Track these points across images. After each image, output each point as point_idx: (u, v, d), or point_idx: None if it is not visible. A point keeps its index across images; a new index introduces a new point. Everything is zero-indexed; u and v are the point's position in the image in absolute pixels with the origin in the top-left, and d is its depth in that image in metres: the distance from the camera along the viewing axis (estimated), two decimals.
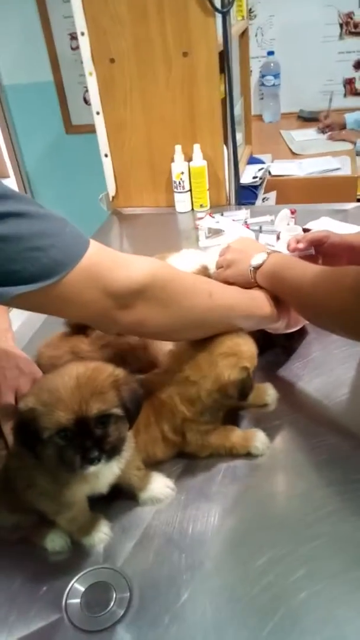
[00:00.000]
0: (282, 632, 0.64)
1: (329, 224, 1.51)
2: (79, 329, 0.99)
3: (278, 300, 0.94)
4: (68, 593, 0.71)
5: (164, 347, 0.94)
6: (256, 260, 0.96)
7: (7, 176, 3.04)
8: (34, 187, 3.27)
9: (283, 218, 1.35)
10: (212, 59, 1.54)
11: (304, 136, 2.69)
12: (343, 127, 2.65)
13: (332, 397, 0.96)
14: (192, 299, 0.82)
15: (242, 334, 0.87)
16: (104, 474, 0.73)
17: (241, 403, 0.92)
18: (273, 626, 0.64)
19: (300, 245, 1.03)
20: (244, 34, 2.02)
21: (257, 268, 0.95)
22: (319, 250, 1.04)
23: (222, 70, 1.57)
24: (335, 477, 0.81)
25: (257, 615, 0.66)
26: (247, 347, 0.85)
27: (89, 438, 0.66)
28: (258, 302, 0.93)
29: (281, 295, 0.93)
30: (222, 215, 1.64)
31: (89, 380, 0.67)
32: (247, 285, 0.97)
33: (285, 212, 1.37)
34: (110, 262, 0.74)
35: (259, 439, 0.87)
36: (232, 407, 0.91)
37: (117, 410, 0.68)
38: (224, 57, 1.56)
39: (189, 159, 1.70)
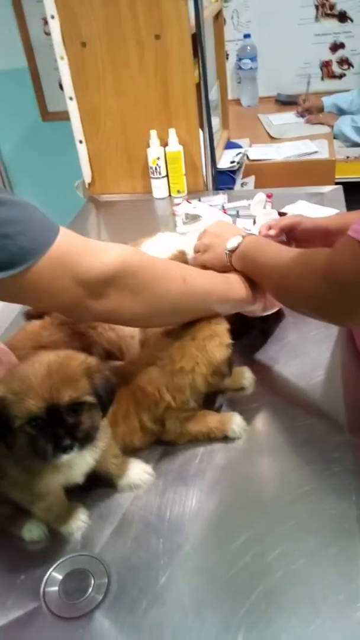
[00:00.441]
0: (258, 610, 0.64)
1: (306, 208, 1.51)
2: (35, 316, 0.98)
3: (254, 283, 0.94)
4: (46, 581, 0.71)
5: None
6: (231, 243, 0.95)
7: None
8: (11, 176, 3.23)
9: (258, 202, 1.34)
10: (184, 41, 1.52)
11: (282, 120, 2.68)
12: (321, 110, 2.65)
13: (308, 379, 0.96)
14: (166, 285, 0.81)
15: (210, 317, 0.88)
16: (78, 464, 0.72)
17: (219, 386, 0.92)
18: (250, 605, 0.65)
19: (272, 232, 1.03)
20: (218, 16, 1.99)
21: (232, 251, 0.95)
22: (292, 235, 1.04)
23: (195, 53, 1.55)
24: (312, 457, 0.82)
25: (234, 595, 0.66)
26: (222, 325, 0.87)
27: (61, 426, 0.65)
28: (234, 285, 0.92)
29: (255, 278, 0.93)
30: (199, 200, 1.63)
31: (60, 367, 0.66)
32: (223, 269, 0.97)
33: (260, 196, 1.37)
34: (80, 250, 0.73)
35: (235, 421, 0.87)
36: (210, 391, 0.91)
37: (90, 398, 0.67)
38: (197, 40, 1.53)
39: (164, 144, 1.69)
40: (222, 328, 0.87)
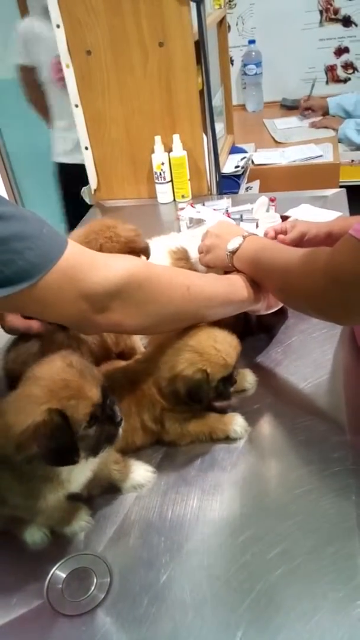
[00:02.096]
0: (258, 608, 0.65)
1: (309, 211, 1.51)
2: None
3: (256, 282, 0.95)
4: (49, 580, 0.72)
5: None
6: (232, 244, 0.96)
7: None
8: (19, 183, 3.26)
9: (261, 205, 1.35)
10: (187, 48, 1.54)
11: (287, 124, 2.69)
12: (325, 110, 2.66)
13: (310, 380, 0.97)
14: (170, 295, 0.81)
15: (227, 338, 0.85)
16: (77, 477, 0.73)
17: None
18: (250, 603, 0.66)
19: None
20: (222, 23, 2.01)
21: (233, 252, 0.96)
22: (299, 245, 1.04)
23: (198, 59, 1.57)
24: (312, 458, 0.83)
25: (234, 593, 0.67)
26: (220, 355, 0.82)
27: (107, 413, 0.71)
28: (236, 287, 0.93)
29: (257, 278, 0.94)
30: (203, 205, 1.64)
31: (85, 368, 0.70)
32: (226, 269, 0.98)
33: (263, 199, 1.38)
34: (87, 264, 0.73)
35: (237, 422, 0.88)
36: None
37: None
38: (200, 47, 1.55)
39: (169, 149, 1.70)
40: (216, 355, 0.82)
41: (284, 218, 1.35)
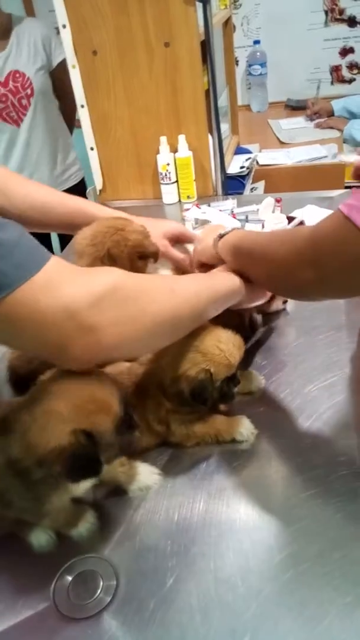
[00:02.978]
0: (265, 612, 0.65)
1: (315, 212, 1.51)
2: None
3: (237, 273, 0.92)
4: (55, 582, 0.72)
5: None
6: (223, 230, 0.96)
7: None
8: None
9: (267, 206, 1.35)
10: (193, 48, 1.54)
11: (292, 125, 2.69)
12: (331, 114, 2.65)
13: (317, 382, 0.97)
14: (160, 301, 0.74)
15: (231, 338, 0.84)
16: (83, 482, 0.72)
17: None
18: (256, 607, 0.65)
19: None
20: (227, 23, 2.01)
21: (221, 237, 0.95)
22: None
23: (204, 60, 1.57)
24: (318, 461, 0.82)
25: (241, 597, 0.67)
26: (223, 355, 0.82)
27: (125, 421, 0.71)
28: (218, 278, 0.90)
29: (244, 268, 0.91)
30: (208, 205, 1.64)
31: (104, 376, 0.71)
32: (212, 259, 0.98)
33: (269, 200, 1.37)
34: (69, 277, 0.66)
35: (243, 425, 0.88)
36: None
37: None
38: (206, 47, 1.55)
39: (174, 150, 1.70)
40: (219, 356, 0.81)
41: (290, 219, 1.35)
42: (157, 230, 1.15)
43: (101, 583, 0.71)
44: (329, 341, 1.06)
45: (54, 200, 1.11)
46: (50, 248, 1.89)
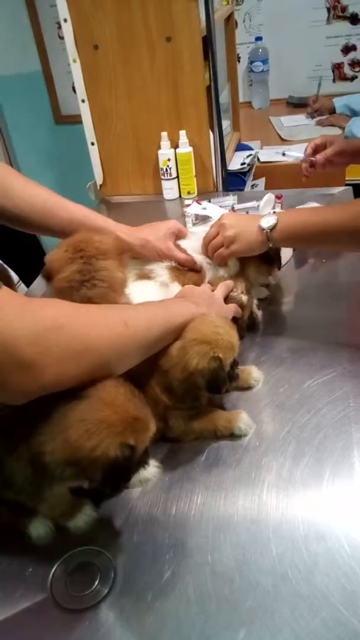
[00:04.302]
0: (262, 605, 0.65)
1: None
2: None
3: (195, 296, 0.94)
4: (53, 574, 0.72)
5: None
6: (267, 222, 1.00)
7: None
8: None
9: (267, 203, 1.34)
10: (195, 44, 1.53)
11: (293, 122, 2.68)
12: (332, 111, 2.65)
13: (316, 378, 0.97)
14: (106, 338, 0.71)
15: (224, 321, 0.86)
16: None
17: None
18: (253, 599, 0.66)
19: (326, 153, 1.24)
20: (229, 19, 2.00)
21: (271, 229, 0.99)
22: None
23: (206, 56, 1.56)
24: (317, 455, 0.82)
25: (238, 589, 0.67)
26: (225, 337, 0.83)
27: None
28: (175, 308, 0.87)
29: (307, 245, 1.06)
30: (209, 201, 1.63)
31: (140, 395, 0.73)
32: (259, 250, 1.04)
33: (269, 196, 1.37)
34: (13, 311, 0.62)
35: (242, 420, 0.88)
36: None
37: None
38: (207, 43, 1.54)
39: (175, 145, 1.70)
40: (223, 339, 0.82)
41: None
42: (159, 233, 1.16)
43: (99, 575, 0.72)
44: (327, 338, 1.06)
45: (56, 203, 1.10)
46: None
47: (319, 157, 1.32)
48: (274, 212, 1.02)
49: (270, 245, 1.02)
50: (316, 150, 1.36)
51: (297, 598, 0.65)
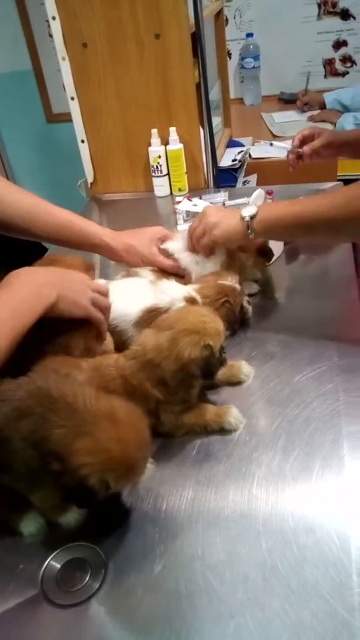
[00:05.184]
0: (252, 598, 0.65)
1: None
2: None
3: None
4: (44, 570, 0.73)
5: None
6: (247, 211, 1.02)
7: None
8: (17, 177, 3.25)
9: (257, 198, 1.34)
10: (184, 40, 1.53)
11: (285, 118, 2.68)
12: (322, 106, 2.65)
13: (305, 372, 0.97)
14: None
15: (206, 309, 0.88)
16: None
17: (215, 381, 0.93)
18: (243, 592, 0.66)
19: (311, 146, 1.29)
20: (219, 16, 2.00)
21: (252, 217, 1.01)
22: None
23: (195, 52, 1.56)
24: (306, 450, 0.83)
25: (227, 582, 0.67)
26: (212, 324, 0.85)
27: None
28: (23, 307, 0.80)
29: (286, 235, 1.07)
30: (200, 198, 1.64)
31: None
32: (240, 239, 1.05)
33: (259, 192, 1.37)
34: None
35: (232, 414, 0.88)
36: (207, 385, 0.92)
37: None
38: (196, 39, 1.54)
39: (165, 142, 1.70)
40: (210, 327, 0.84)
41: None
42: (144, 239, 1.16)
43: (89, 570, 0.72)
44: (318, 332, 1.06)
45: (41, 209, 1.10)
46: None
47: (306, 148, 1.33)
48: (257, 205, 1.04)
49: (251, 235, 1.03)
50: (304, 141, 1.37)
51: (286, 590, 0.66)
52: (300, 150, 1.38)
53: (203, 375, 0.83)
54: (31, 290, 0.82)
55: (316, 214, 0.95)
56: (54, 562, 0.73)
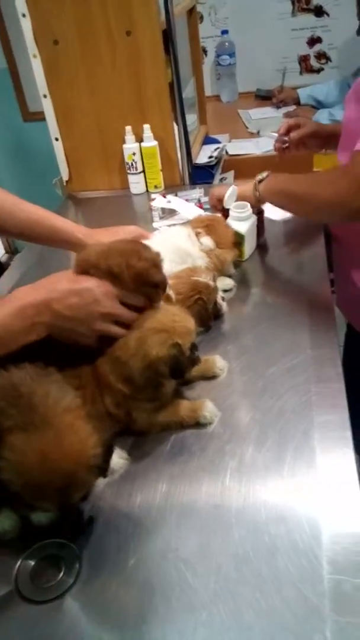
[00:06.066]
0: (224, 588, 0.66)
1: None
2: None
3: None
4: (18, 566, 0.73)
5: None
6: (261, 175, 1.23)
7: None
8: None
9: (231, 195, 1.35)
10: (155, 37, 1.53)
11: (261, 114, 2.69)
12: (296, 102, 2.67)
13: (279, 364, 0.98)
14: None
15: (178, 309, 0.88)
16: None
17: (189, 377, 0.93)
18: (215, 583, 0.67)
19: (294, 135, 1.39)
20: (192, 12, 2.00)
21: (260, 181, 1.21)
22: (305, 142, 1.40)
23: (167, 49, 1.56)
24: (280, 440, 0.84)
25: (200, 574, 0.68)
26: (181, 323, 0.84)
27: None
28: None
29: (280, 201, 1.20)
30: (175, 195, 1.64)
31: None
32: (250, 196, 1.26)
33: (233, 189, 1.38)
34: None
35: (206, 408, 0.89)
36: (181, 381, 0.93)
37: None
38: (168, 36, 1.54)
39: (140, 139, 1.70)
40: (179, 325, 0.84)
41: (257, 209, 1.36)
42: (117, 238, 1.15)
43: (63, 566, 0.72)
44: (291, 326, 1.07)
45: (14, 205, 1.09)
46: None
47: (294, 134, 1.38)
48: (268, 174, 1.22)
49: (258, 194, 1.22)
50: (289, 130, 1.40)
51: (258, 579, 0.67)
52: (286, 138, 1.42)
53: (172, 375, 0.83)
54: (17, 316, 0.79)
55: (294, 190, 1.13)
56: (27, 559, 0.73)
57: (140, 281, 0.87)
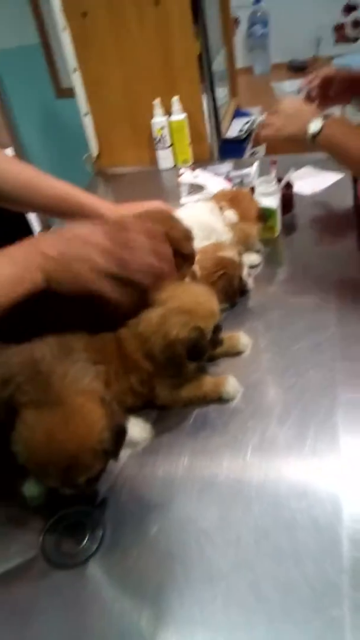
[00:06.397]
0: (243, 560, 0.67)
1: (311, 173, 1.49)
2: None
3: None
4: (44, 533, 0.75)
5: None
6: (314, 127, 1.08)
7: (9, 145, 3.00)
8: (29, 154, 3.24)
9: (257, 171, 1.33)
10: (184, 7, 1.50)
11: (295, 87, 2.62)
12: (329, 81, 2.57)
13: (303, 342, 0.97)
14: None
15: (204, 288, 0.87)
16: None
17: (213, 354, 0.93)
18: (234, 554, 0.68)
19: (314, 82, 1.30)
20: None
21: (315, 135, 1.08)
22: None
23: (196, 19, 1.53)
24: (303, 418, 0.84)
25: (219, 545, 0.69)
26: (205, 305, 0.84)
27: None
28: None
29: (332, 155, 1.10)
30: (204, 169, 1.62)
31: None
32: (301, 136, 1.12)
33: (259, 164, 1.36)
34: None
35: (229, 383, 0.89)
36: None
37: None
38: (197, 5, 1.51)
39: (168, 113, 1.68)
40: (203, 308, 0.83)
41: (281, 181, 1.33)
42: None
43: (87, 533, 0.74)
44: (317, 302, 1.06)
45: (40, 180, 1.09)
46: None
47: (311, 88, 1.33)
48: (325, 115, 1.09)
49: (308, 139, 1.10)
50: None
51: (277, 552, 0.67)
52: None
53: (189, 357, 0.82)
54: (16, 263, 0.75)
55: (347, 150, 1.05)
56: (54, 525, 0.75)
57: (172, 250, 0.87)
